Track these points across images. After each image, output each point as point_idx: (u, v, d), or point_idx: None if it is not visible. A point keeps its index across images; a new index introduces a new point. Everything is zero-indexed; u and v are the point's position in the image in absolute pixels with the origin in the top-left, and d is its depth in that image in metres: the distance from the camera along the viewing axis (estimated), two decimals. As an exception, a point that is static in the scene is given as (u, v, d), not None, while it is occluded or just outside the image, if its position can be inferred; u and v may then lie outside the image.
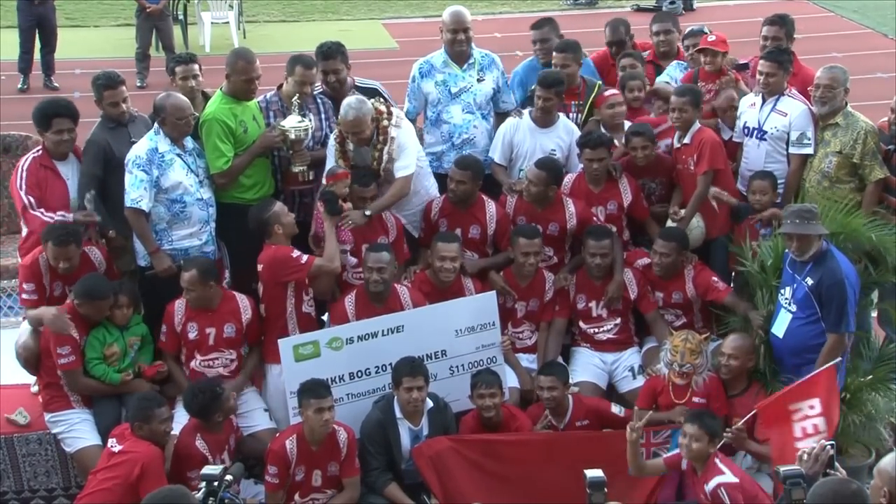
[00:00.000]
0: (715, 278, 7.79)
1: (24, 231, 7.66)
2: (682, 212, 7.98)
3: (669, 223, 8.05)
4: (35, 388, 7.67)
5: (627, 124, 8.22)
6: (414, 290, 7.63)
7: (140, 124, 7.82)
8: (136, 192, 7.35)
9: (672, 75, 8.87)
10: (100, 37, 19.62)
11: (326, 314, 7.82)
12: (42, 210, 7.42)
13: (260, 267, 7.42)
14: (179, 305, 7.39)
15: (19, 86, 16.23)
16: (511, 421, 7.27)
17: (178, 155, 7.48)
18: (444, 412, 7.26)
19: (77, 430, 7.27)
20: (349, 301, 7.52)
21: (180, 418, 7.08)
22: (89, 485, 6.76)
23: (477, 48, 8.48)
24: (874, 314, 8.24)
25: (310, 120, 7.85)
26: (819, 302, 6.97)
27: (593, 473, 5.35)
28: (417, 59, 8.60)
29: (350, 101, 7.63)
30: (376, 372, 7.38)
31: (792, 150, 7.98)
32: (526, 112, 8.21)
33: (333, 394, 6.95)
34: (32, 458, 7.52)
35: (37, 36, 16.19)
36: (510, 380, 7.62)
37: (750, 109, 8.11)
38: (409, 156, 7.71)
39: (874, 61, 16.92)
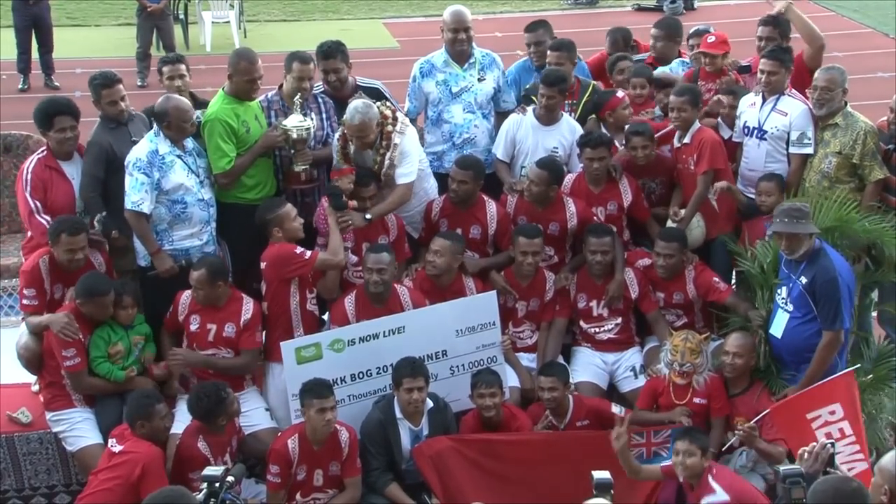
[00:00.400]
0: (716, 279, 7.79)
1: (29, 232, 7.67)
2: (682, 212, 7.98)
3: (669, 223, 8.05)
4: (36, 388, 7.67)
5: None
6: (414, 290, 7.64)
7: (139, 123, 7.83)
8: (137, 195, 7.35)
9: (675, 71, 8.90)
10: (100, 36, 19.63)
11: (326, 314, 7.83)
12: (48, 217, 7.42)
13: (263, 265, 7.43)
14: (186, 297, 7.39)
15: (20, 86, 16.22)
16: (511, 421, 7.27)
17: (179, 156, 7.48)
18: (444, 412, 7.27)
19: (79, 428, 7.27)
20: (349, 301, 7.53)
21: (182, 417, 7.09)
22: (90, 485, 6.76)
23: (478, 48, 8.49)
24: (874, 314, 8.25)
25: (311, 119, 7.86)
26: (814, 300, 6.99)
27: (600, 475, 5.29)
28: (418, 58, 8.61)
29: (357, 104, 7.62)
30: (377, 373, 7.38)
31: (792, 149, 7.98)
32: (529, 109, 8.22)
33: (335, 395, 6.95)
34: (33, 456, 7.52)
35: (34, 36, 16.16)
36: (511, 379, 7.62)
37: (750, 109, 8.10)
38: (410, 163, 7.72)
39: (875, 61, 16.93)
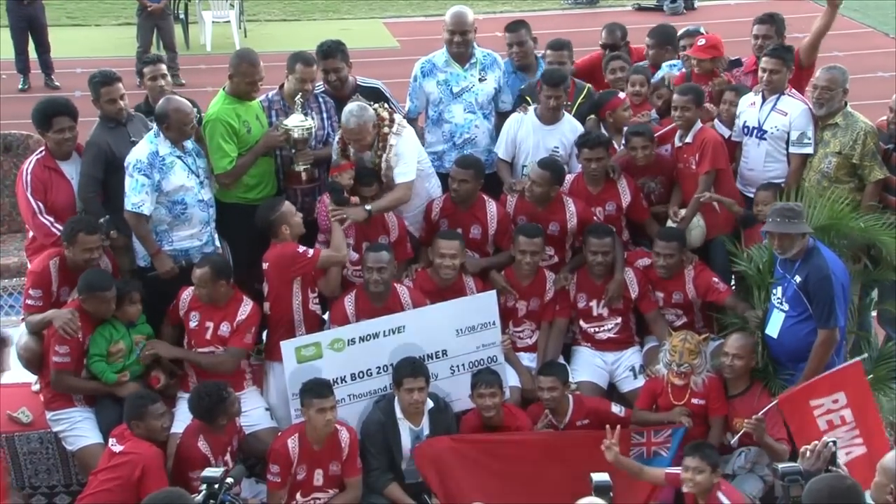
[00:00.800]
0: (715, 279, 7.78)
1: (31, 233, 7.67)
2: (683, 212, 7.98)
3: (669, 223, 8.05)
4: (36, 387, 7.67)
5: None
6: (414, 290, 7.65)
7: (138, 123, 7.83)
8: (137, 197, 7.34)
9: (664, 73, 8.89)
10: (101, 36, 19.61)
11: (327, 313, 7.84)
12: (51, 218, 7.43)
13: (265, 265, 7.43)
14: (188, 293, 7.39)
15: (20, 86, 16.20)
16: (511, 420, 7.28)
17: (179, 157, 7.47)
18: (444, 412, 7.28)
19: (79, 428, 7.27)
20: (349, 301, 7.54)
21: (182, 417, 7.09)
22: (90, 485, 6.76)
23: (479, 48, 8.48)
24: (874, 314, 8.25)
25: (312, 119, 7.86)
26: (808, 299, 7.00)
27: (599, 477, 5.30)
28: (418, 58, 8.60)
29: (351, 108, 7.62)
30: (377, 372, 7.39)
31: (792, 149, 7.98)
32: (531, 108, 8.22)
33: (335, 395, 6.96)
34: (33, 456, 7.54)
35: (30, 37, 16.12)
36: (511, 379, 7.63)
37: (750, 109, 8.10)
38: (407, 163, 7.71)
39: (875, 60, 16.91)
